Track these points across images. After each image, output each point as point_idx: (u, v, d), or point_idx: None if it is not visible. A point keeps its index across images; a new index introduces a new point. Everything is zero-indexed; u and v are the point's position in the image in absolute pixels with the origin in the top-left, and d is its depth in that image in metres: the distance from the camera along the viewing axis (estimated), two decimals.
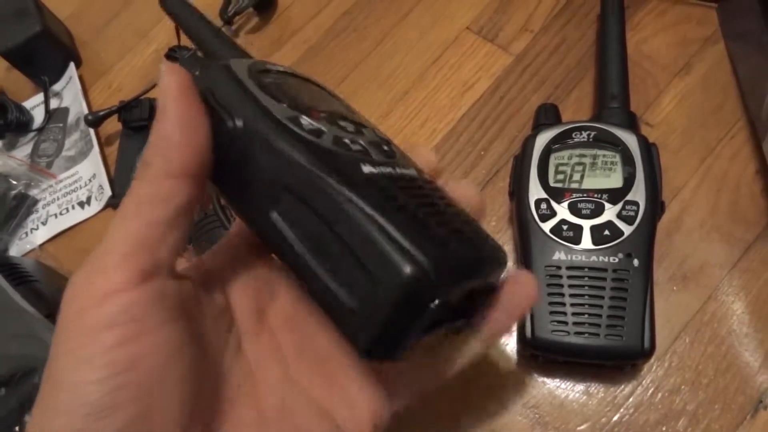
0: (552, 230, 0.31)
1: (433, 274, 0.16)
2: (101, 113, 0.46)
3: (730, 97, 0.37)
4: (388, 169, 0.19)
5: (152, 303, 0.17)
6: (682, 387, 0.31)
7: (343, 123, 0.20)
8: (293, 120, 0.18)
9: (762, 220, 0.33)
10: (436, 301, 0.16)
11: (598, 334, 0.29)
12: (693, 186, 0.35)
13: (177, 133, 0.17)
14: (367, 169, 0.18)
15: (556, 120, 0.36)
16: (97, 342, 0.17)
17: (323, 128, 0.19)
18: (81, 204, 0.46)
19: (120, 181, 0.46)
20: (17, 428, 0.36)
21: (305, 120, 0.18)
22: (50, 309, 0.37)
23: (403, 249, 0.16)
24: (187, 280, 0.20)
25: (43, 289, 0.38)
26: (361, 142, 0.19)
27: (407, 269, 0.16)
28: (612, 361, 0.30)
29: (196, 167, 0.18)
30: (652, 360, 0.31)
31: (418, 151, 0.22)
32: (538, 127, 0.35)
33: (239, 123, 0.18)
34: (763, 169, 0.34)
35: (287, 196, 0.18)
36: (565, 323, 0.29)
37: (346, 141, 0.19)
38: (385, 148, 0.20)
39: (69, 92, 0.51)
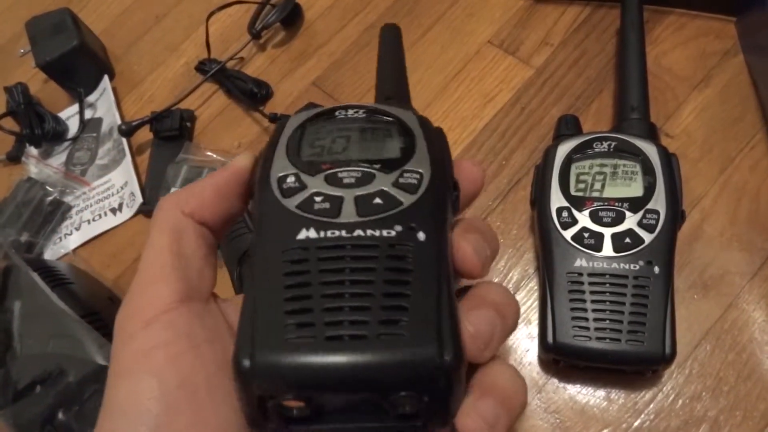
0: (573, 238, 0.32)
1: (269, 369, 0.16)
2: (134, 123, 0.48)
3: (749, 110, 0.38)
4: (337, 233, 0.19)
5: (193, 320, 0.19)
6: (703, 394, 0.31)
7: (344, 174, 0.21)
8: (279, 180, 0.20)
9: None
10: (274, 400, 0.17)
11: (619, 340, 0.29)
12: (713, 195, 0.36)
13: (209, 194, 0.21)
14: (303, 234, 0.19)
15: (577, 131, 0.37)
16: (148, 362, 0.18)
17: (306, 186, 0.20)
18: (113, 210, 0.48)
19: (151, 188, 0.47)
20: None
21: (291, 180, 0.20)
22: (85, 310, 0.38)
23: (252, 338, 0.17)
24: (222, 306, 0.21)
25: (77, 291, 0.40)
26: (345, 198, 0.20)
27: (241, 360, 0.17)
28: (633, 367, 0.30)
29: (217, 222, 0.21)
30: (672, 367, 0.32)
31: (461, 165, 0.23)
32: (559, 138, 0.36)
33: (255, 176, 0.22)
34: None
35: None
36: (587, 329, 0.30)
37: (316, 200, 0.20)
38: (377, 201, 0.20)
39: (103, 103, 0.53)
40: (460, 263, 0.20)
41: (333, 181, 0.21)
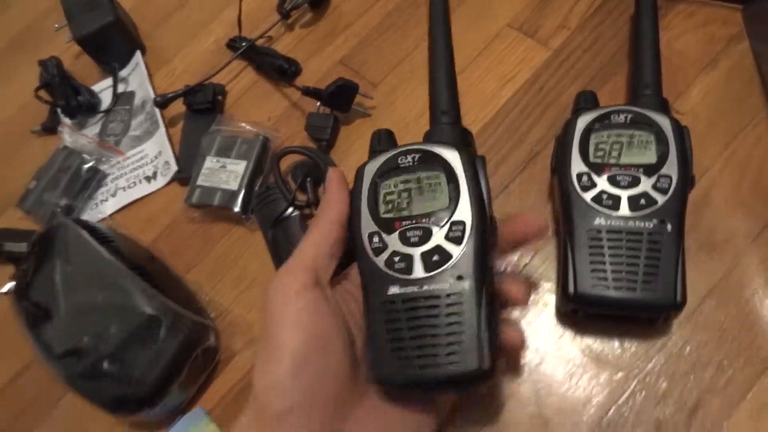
0: (593, 199, 0.34)
1: (387, 380, 0.28)
2: (169, 96, 0.50)
3: (753, 91, 0.41)
4: (413, 289, 0.27)
5: (322, 299, 0.28)
6: (709, 342, 0.34)
7: (411, 233, 0.28)
8: (370, 239, 0.29)
9: None
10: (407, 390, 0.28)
11: (635, 288, 0.32)
12: (719, 167, 0.39)
13: (336, 200, 0.31)
14: (392, 290, 0.27)
15: (595, 105, 0.39)
16: (296, 318, 0.27)
17: (388, 245, 0.28)
18: (147, 179, 0.50)
19: (184, 157, 0.49)
20: None
21: (376, 238, 0.28)
22: (131, 265, 0.40)
23: (375, 355, 0.28)
24: (336, 290, 0.30)
25: (121, 248, 0.42)
26: (414, 256, 0.28)
27: (375, 370, 0.28)
28: (647, 313, 0.33)
29: (342, 218, 0.30)
30: (681, 318, 0.35)
31: (524, 219, 0.31)
32: (578, 111, 0.39)
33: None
34: None
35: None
36: (605, 279, 0.33)
37: (395, 260, 0.28)
38: (435, 258, 0.27)
39: (135, 78, 0.55)
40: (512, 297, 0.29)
41: (404, 239, 0.28)
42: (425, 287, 0.27)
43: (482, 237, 0.27)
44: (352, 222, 0.30)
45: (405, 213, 0.29)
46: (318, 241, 0.29)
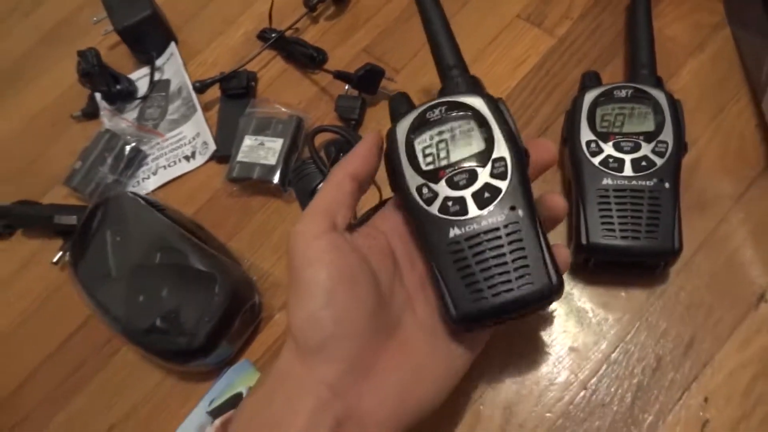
0: (600, 163, 0.39)
1: (471, 316, 0.29)
2: (207, 82, 0.55)
3: (734, 71, 0.46)
4: (472, 227, 0.29)
5: (341, 240, 0.30)
6: (701, 287, 0.39)
7: (458, 177, 0.30)
8: (419, 191, 0.31)
9: (762, 162, 0.42)
10: (484, 321, 0.29)
11: (639, 238, 0.37)
12: (707, 137, 0.44)
13: (355, 158, 0.33)
14: (452, 232, 0.29)
15: (599, 84, 0.45)
16: (320, 257, 0.29)
17: (438, 193, 0.30)
18: (186, 158, 0.54)
19: (221, 138, 0.54)
20: None
21: (425, 189, 0.30)
22: (184, 228, 0.45)
23: (452, 296, 0.29)
24: (353, 236, 0.32)
25: (172, 215, 0.46)
26: (466, 197, 0.30)
27: (457, 311, 0.29)
28: (650, 258, 0.38)
29: (357, 173, 0.32)
30: (677, 267, 0.40)
31: (541, 144, 0.33)
32: (584, 89, 0.44)
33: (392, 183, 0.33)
34: (762, 124, 0.43)
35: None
36: (613, 230, 0.37)
37: (449, 204, 0.30)
38: (487, 195, 0.29)
39: (170, 67, 0.60)
40: (554, 210, 0.33)
41: (452, 185, 0.30)
42: (483, 223, 0.29)
43: (523, 168, 0.30)
44: (396, 181, 0.32)
45: (445, 162, 0.31)
46: (332, 191, 0.31)
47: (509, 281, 0.28)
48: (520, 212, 0.29)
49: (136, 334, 0.43)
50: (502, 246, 0.28)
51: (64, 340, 0.49)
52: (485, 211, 0.29)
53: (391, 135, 0.33)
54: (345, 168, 0.32)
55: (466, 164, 0.30)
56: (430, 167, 0.31)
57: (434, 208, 0.30)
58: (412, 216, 0.31)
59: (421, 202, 0.30)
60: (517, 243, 0.28)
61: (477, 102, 0.31)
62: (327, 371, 0.28)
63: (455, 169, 0.30)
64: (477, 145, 0.31)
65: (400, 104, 0.34)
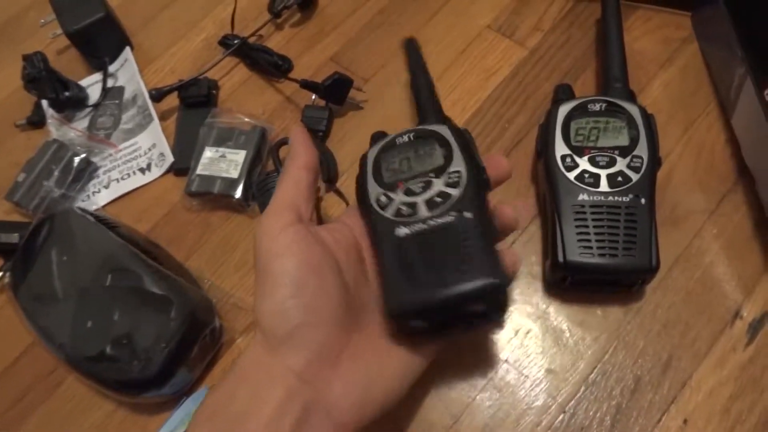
0: (576, 178, 0.38)
1: (403, 309, 0.29)
2: (164, 89, 0.51)
3: (703, 84, 0.46)
4: (419, 226, 0.30)
5: (307, 232, 0.31)
6: (677, 304, 0.39)
7: (413, 186, 0.32)
8: (377, 200, 0.32)
9: (732, 176, 0.42)
10: (416, 321, 0.30)
11: (616, 255, 0.36)
12: (678, 151, 0.44)
13: (301, 149, 0.34)
14: (399, 231, 0.31)
15: (571, 96, 0.44)
16: (287, 249, 0.30)
17: (394, 199, 0.32)
18: (141, 170, 0.51)
19: (179, 149, 0.51)
20: None
21: (383, 198, 0.32)
22: (137, 247, 0.41)
23: (389, 289, 0.30)
24: (319, 228, 0.32)
25: (124, 233, 0.43)
26: (418, 202, 0.31)
27: (389, 303, 0.30)
28: (627, 276, 0.37)
29: (309, 164, 0.33)
30: (653, 283, 0.39)
31: (492, 158, 0.34)
32: (557, 101, 0.43)
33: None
34: (731, 138, 0.43)
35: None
36: (590, 248, 0.36)
37: (402, 208, 0.31)
38: (438, 199, 0.31)
39: (124, 73, 0.56)
40: (504, 220, 0.33)
41: (409, 192, 0.32)
42: (430, 222, 0.30)
43: (477, 179, 0.32)
44: (361, 194, 0.34)
45: (404, 175, 0.33)
46: (291, 186, 0.32)
47: (446, 275, 0.28)
48: (468, 215, 0.30)
49: (82, 363, 0.40)
50: (445, 243, 0.30)
51: (4, 368, 0.44)
52: (434, 212, 0.31)
53: (364, 157, 0.35)
54: (297, 162, 0.33)
55: (424, 176, 0.32)
56: (391, 180, 0.33)
57: (388, 213, 0.32)
58: (369, 223, 0.33)
59: (377, 208, 0.32)
60: (463, 241, 0.29)
61: (443, 129, 0.34)
62: (296, 360, 0.28)
63: (413, 180, 0.33)
64: (437, 161, 0.33)
65: (378, 138, 0.37)
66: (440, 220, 0.30)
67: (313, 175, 0.33)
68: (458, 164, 0.32)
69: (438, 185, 0.32)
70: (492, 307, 0.30)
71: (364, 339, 0.30)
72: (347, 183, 0.48)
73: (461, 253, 0.29)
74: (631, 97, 0.42)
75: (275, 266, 0.29)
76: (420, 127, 0.35)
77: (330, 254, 0.31)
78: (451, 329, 0.31)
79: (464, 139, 0.34)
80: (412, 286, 0.29)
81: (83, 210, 0.44)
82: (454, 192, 0.31)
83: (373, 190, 0.33)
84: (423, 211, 0.31)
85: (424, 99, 0.39)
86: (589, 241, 0.37)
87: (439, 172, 0.32)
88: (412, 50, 0.42)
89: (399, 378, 0.31)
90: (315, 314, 0.29)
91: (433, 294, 0.28)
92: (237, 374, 0.29)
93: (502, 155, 0.35)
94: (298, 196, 0.32)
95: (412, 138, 0.34)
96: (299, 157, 0.33)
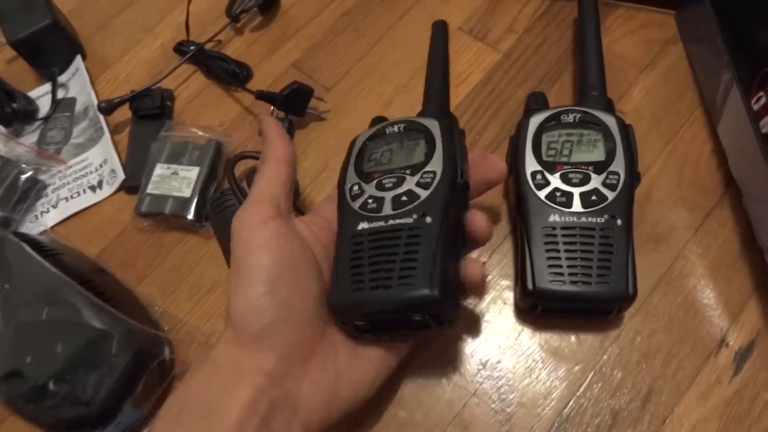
0: (547, 197, 0.35)
1: (340, 307, 0.29)
2: (114, 101, 0.48)
3: (688, 89, 0.43)
4: (379, 224, 0.30)
5: (285, 227, 0.30)
6: (658, 331, 0.36)
7: (386, 180, 0.31)
8: (350, 188, 0.32)
9: (718, 190, 0.39)
10: (358, 322, 0.29)
11: (590, 282, 0.33)
12: (661, 164, 0.41)
13: (278, 142, 0.33)
14: (361, 225, 0.30)
15: (545, 106, 0.41)
16: (265, 243, 0.29)
17: (364, 191, 0.31)
18: (92, 188, 0.48)
19: (132, 165, 0.48)
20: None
21: (356, 188, 0.32)
22: (78, 278, 0.38)
23: (335, 284, 0.30)
24: (297, 222, 0.32)
25: (66, 261, 0.40)
26: (386, 198, 0.30)
27: (329, 299, 0.30)
28: (602, 305, 0.34)
29: (286, 156, 0.32)
30: (632, 309, 0.36)
31: (486, 159, 0.34)
32: (529, 111, 0.40)
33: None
34: (718, 149, 0.40)
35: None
36: (562, 274, 0.33)
37: (369, 201, 0.31)
38: (404, 198, 0.30)
39: (75, 83, 0.53)
40: (474, 229, 0.31)
41: (380, 186, 0.31)
42: (390, 222, 0.29)
43: (450, 184, 0.30)
44: (340, 178, 0.33)
45: (383, 167, 0.32)
46: (269, 179, 0.32)
47: (390, 278, 0.28)
48: (429, 219, 0.29)
49: (19, 402, 0.37)
50: (398, 245, 0.28)
51: None
52: (397, 212, 0.30)
53: (353, 142, 0.35)
54: (274, 154, 0.32)
55: (400, 171, 0.31)
56: (370, 170, 0.33)
57: (356, 204, 0.31)
58: (338, 209, 0.32)
59: (348, 197, 0.31)
60: (413, 246, 0.28)
61: (433, 125, 0.33)
62: (266, 358, 0.28)
63: (388, 174, 0.32)
64: (417, 158, 0.32)
65: (378, 123, 0.36)
66: (399, 221, 0.29)
67: (292, 168, 0.33)
68: (436, 165, 0.31)
69: (409, 184, 0.30)
70: (432, 318, 0.28)
71: (336, 335, 0.31)
72: (311, 197, 0.45)
73: (409, 259, 0.28)
74: (609, 107, 0.39)
75: (251, 261, 0.29)
76: (413, 118, 0.34)
77: (308, 249, 0.31)
78: (394, 332, 0.30)
79: (451, 139, 0.32)
80: (354, 285, 0.29)
81: (22, 236, 0.41)
82: (423, 193, 0.30)
83: (351, 178, 0.32)
84: (387, 209, 0.30)
85: (433, 88, 0.39)
86: (560, 267, 0.34)
87: (415, 170, 0.31)
88: (438, 33, 0.42)
89: (368, 378, 0.31)
90: (289, 311, 0.28)
91: (369, 297, 0.28)
92: (207, 369, 0.29)
93: (497, 156, 0.34)
94: (278, 189, 0.31)
95: (401, 129, 0.33)
96: (276, 149, 0.32)
